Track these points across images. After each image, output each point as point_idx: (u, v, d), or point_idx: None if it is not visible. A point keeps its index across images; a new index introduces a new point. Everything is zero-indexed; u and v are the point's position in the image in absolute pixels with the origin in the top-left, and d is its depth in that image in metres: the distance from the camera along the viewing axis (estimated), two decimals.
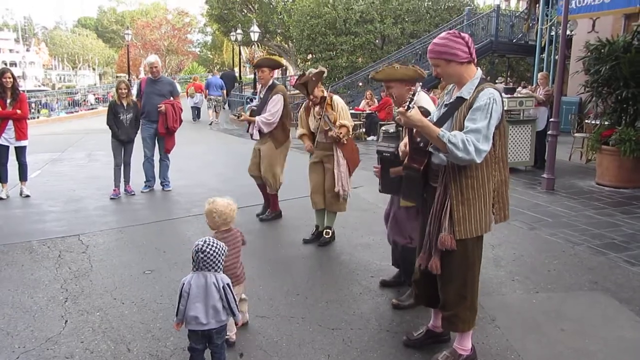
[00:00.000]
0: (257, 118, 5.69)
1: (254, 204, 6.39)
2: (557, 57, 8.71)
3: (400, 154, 2.94)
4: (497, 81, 18.60)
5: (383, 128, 3.87)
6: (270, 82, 5.84)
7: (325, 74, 5.07)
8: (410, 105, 2.53)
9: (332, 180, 5.00)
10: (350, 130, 4.97)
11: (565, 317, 3.66)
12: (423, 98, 3.76)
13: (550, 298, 3.99)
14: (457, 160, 2.61)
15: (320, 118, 4.97)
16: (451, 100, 2.80)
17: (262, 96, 5.88)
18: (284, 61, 31.98)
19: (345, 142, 4.92)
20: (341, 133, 4.84)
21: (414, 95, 2.59)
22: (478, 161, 2.60)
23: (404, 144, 2.98)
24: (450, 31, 2.79)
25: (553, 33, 13.42)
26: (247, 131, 5.99)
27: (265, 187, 5.99)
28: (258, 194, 6.23)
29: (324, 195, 5.11)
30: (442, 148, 2.60)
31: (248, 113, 5.91)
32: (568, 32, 9.07)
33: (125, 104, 7.10)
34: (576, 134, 10.50)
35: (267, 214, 6.08)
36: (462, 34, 2.76)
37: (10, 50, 68.98)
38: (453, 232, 2.74)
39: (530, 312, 3.74)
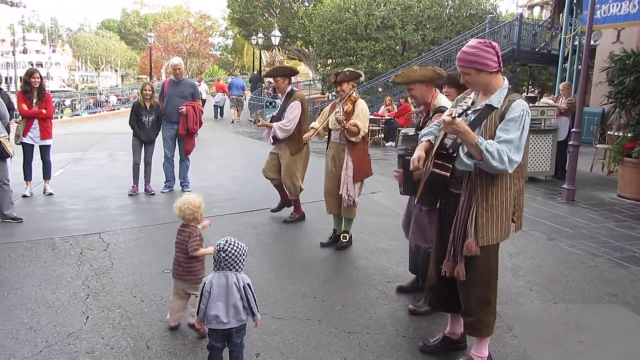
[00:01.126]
0: (274, 124, 5.72)
1: (271, 206, 6.43)
2: (579, 67, 8.64)
3: (418, 159, 2.92)
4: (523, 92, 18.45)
5: (403, 131, 3.89)
6: (289, 89, 5.86)
7: (362, 78, 5.13)
8: (458, 113, 2.54)
9: (338, 182, 5.02)
10: (361, 132, 4.88)
11: (583, 329, 3.63)
12: (443, 98, 3.78)
13: (568, 309, 3.95)
14: (490, 169, 2.63)
15: (339, 107, 4.98)
16: (478, 108, 2.79)
17: (280, 103, 5.93)
18: (302, 67, 32.13)
19: (347, 128, 4.81)
20: (346, 121, 4.78)
21: (456, 103, 2.63)
22: (510, 171, 2.63)
23: (422, 149, 2.96)
24: (481, 40, 2.78)
25: (577, 43, 13.28)
26: (264, 136, 6.04)
27: (282, 185, 6.05)
28: (275, 197, 6.28)
29: (337, 200, 5.13)
30: (477, 156, 2.60)
31: (268, 119, 5.96)
32: (592, 42, 8.98)
33: (148, 106, 7.23)
34: (598, 145, 10.37)
35: (291, 216, 6.13)
36: (493, 43, 2.75)
37: (37, 51, 70.27)
38: (477, 238, 2.76)
39: (548, 323, 3.71)
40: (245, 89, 20.73)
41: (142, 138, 7.30)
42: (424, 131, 3.09)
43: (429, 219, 3.70)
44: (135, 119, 7.26)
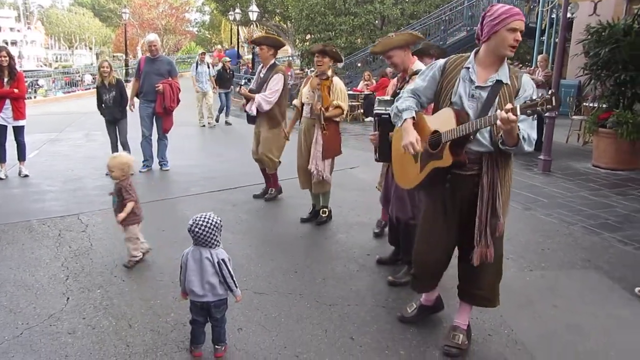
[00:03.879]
0: (257, 95, 5.65)
1: (253, 183, 6.44)
2: (557, 39, 8.67)
3: (416, 141, 2.74)
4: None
5: (378, 98, 3.94)
6: (272, 61, 5.77)
7: (341, 64, 5.13)
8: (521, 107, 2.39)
9: (308, 157, 5.03)
10: (344, 112, 4.96)
11: (558, 295, 3.74)
12: (419, 64, 3.78)
13: (543, 276, 4.06)
14: (518, 152, 2.61)
15: (315, 90, 4.96)
16: (487, 84, 2.67)
17: (262, 75, 5.81)
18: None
19: (324, 119, 4.83)
20: (319, 107, 4.79)
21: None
22: (531, 150, 2.64)
23: (413, 129, 2.78)
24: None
25: (554, 15, 13.32)
26: (244, 108, 5.96)
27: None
28: (257, 174, 6.28)
29: (309, 175, 5.13)
30: (511, 142, 2.53)
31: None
32: (569, 15, 9.03)
33: (107, 84, 7.11)
34: (574, 117, 10.52)
35: (270, 193, 6.12)
36: (488, 8, 2.69)
37: (11, 29, 68.08)
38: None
39: (524, 289, 3.81)
40: (241, 58, 21.93)
41: (106, 117, 7.26)
42: (401, 105, 2.88)
43: (410, 191, 3.73)
44: (99, 100, 7.22)
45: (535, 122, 2.66)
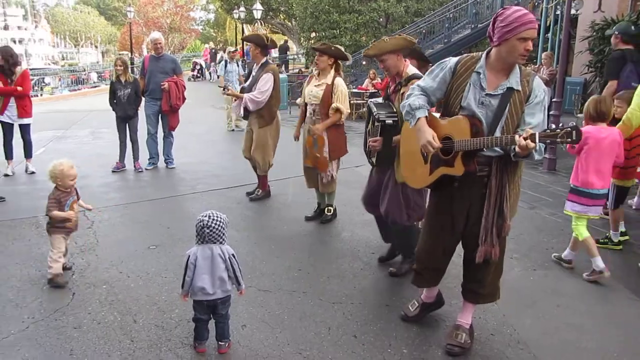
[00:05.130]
0: (245, 95, 5.61)
1: (256, 182, 6.44)
2: (562, 36, 8.65)
3: (433, 138, 2.71)
4: None
5: (371, 100, 3.88)
6: (263, 59, 5.71)
7: (348, 62, 5.08)
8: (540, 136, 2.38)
9: (313, 157, 5.04)
10: (344, 115, 4.94)
11: (561, 294, 3.74)
12: (413, 67, 3.76)
13: (547, 276, 4.06)
14: (530, 159, 2.60)
15: (318, 85, 4.98)
16: (498, 92, 2.65)
17: (254, 74, 5.77)
18: (286, 41, 31.71)
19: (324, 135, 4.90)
20: (317, 132, 4.88)
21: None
22: (541, 158, 2.65)
23: (428, 127, 2.76)
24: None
25: (558, 12, 13.27)
26: (234, 106, 5.96)
27: None
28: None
29: (315, 175, 5.15)
30: (524, 155, 2.50)
31: (239, 90, 5.86)
32: (573, 11, 9.03)
33: (123, 81, 7.15)
34: (579, 115, 10.47)
35: (257, 194, 6.06)
36: (499, 12, 2.63)
37: (19, 27, 68.29)
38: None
39: (528, 289, 3.82)
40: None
41: (118, 113, 7.28)
42: (414, 103, 2.82)
43: (404, 195, 3.69)
44: (112, 95, 7.24)
45: (546, 125, 2.65)
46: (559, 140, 2.34)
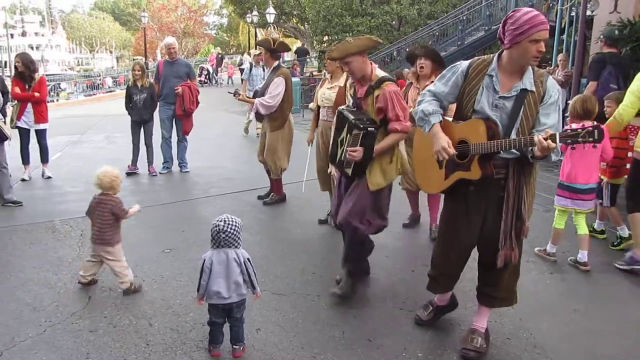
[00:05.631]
0: (256, 100, 5.63)
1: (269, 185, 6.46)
2: (577, 38, 8.55)
3: (448, 145, 2.69)
4: None
5: (342, 107, 3.64)
6: (275, 63, 5.71)
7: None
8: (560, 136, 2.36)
9: (326, 159, 4.99)
10: None
11: (578, 299, 3.69)
12: (380, 71, 3.59)
13: (564, 279, 4.02)
14: (547, 161, 2.57)
15: (331, 88, 4.95)
16: (512, 94, 2.62)
17: (266, 78, 5.79)
18: (304, 44, 31.79)
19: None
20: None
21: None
22: (557, 158, 2.60)
23: (444, 134, 2.74)
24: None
25: (573, 13, 13.13)
26: (246, 111, 5.99)
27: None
28: None
29: (328, 177, 5.10)
30: (542, 157, 2.49)
31: (251, 95, 5.88)
32: (589, 12, 8.89)
33: (139, 85, 7.23)
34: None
35: (271, 198, 6.04)
36: (510, 14, 2.58)
37: (36, 34, 69.32)
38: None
39: (544, 293, 3.77)
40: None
41: (134, 117, 7.36)
42: (427, 108, 2.81)
43: (375, 205, 3.52)
44: (128, 100, 7.33)
45: (561, 124, 2.63)
46: (580, 139, 2.31)
